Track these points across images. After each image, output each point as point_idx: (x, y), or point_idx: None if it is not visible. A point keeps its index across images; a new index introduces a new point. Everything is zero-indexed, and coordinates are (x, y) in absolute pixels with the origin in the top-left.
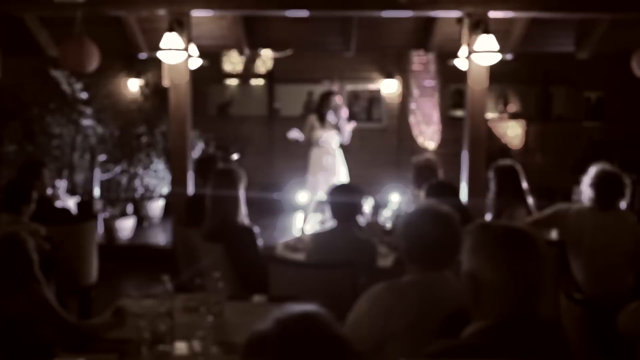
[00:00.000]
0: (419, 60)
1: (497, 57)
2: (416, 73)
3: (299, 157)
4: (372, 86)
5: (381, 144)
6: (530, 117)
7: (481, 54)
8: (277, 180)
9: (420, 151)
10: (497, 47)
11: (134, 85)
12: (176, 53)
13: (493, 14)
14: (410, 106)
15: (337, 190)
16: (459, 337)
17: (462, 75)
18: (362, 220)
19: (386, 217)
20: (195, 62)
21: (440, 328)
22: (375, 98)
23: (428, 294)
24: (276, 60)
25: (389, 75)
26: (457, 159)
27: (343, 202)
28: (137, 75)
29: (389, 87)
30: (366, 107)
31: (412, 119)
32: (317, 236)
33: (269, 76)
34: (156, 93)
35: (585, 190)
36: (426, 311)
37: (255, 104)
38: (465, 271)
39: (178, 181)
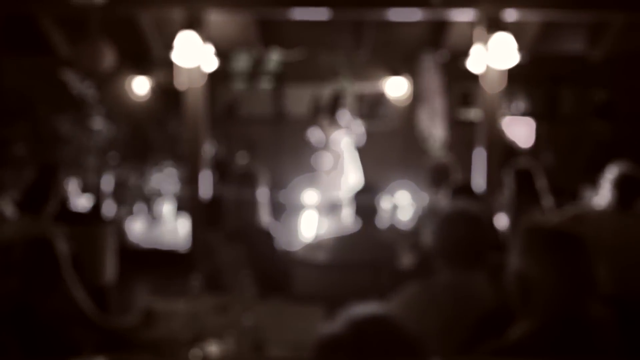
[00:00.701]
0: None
1: (515, 60)
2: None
3: (307, 157)
4: (379, 86)
5: (388, 145)
6: (538, 116)
7: (498, 55)
8: (285, 181)
9: (428, 153)
10: (515, 47)
11: (144, 86)
12: (191, 54)
13: (510, 14)
14: (420, 108)
15: (361, 191)
16: (499, 338)
17: (468, 76)
18: (382, 221)
19: (404, 217)
20: (211, 64)
21: (475, 328)
22: (382, 98)
23: (461, 295)
24: (284, 61)
25: (396, 74)
26: (464, 161)
27: (367, 203)
28: (148, 76)
29: (396, 87)
30: (373, 107)
31: (423, 122)
32: (340, 237)
33: (277, 77)
34: (166, 93)
35: (605, 191)
36: (460, 312)
37: (262, 104)
38: (514, 271)
39: (193, 184)
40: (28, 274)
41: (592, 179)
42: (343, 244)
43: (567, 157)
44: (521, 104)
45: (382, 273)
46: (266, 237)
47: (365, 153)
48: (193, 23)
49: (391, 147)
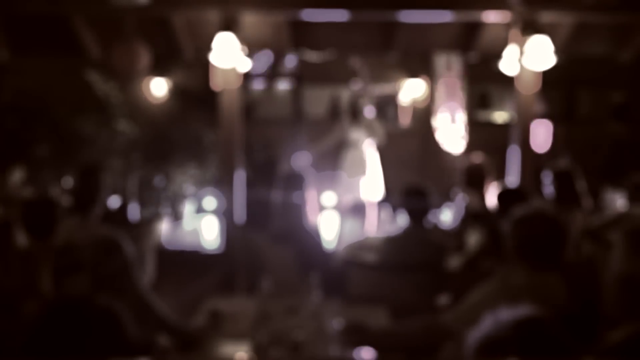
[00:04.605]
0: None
1: (551, 62)
2: (444, 74)
3: (325, 159)
4: (397, 87)
5: (406, 147)
6: (556, 118)
7: (534, 57)
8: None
9: (447, 155)
10: (552, 49)
11: (164, 87)
12: (228, 56)
13: (544, 16)
14: (436, 109)
15: (411, 192)
16: (587, 339)
17: (493, 77)
18: (431, 222)
19: (446, 218)
20: (245, 66)
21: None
22: (400, 99)
23: (541, 298)
24: (303, 62)
25: (414, 75)
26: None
27: (417, 204)
28: (169, 77)
29: (414, 88)
30: (392, 108)
31: (437, 122)
32: (391, 238)
33: (296, 78)
34: (188, 95)
35: None
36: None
37: (280, 105)
38: (618, 275)
39: (227, 186)
40: (98, 276)
41: (611, 181)
42: (394, 245)
43: (584, 159)
44: (539, 106)
45: (431, 273)
46: (314, 238)
47: (385, 154)
48: (229, 24)
49: (409, 149)
